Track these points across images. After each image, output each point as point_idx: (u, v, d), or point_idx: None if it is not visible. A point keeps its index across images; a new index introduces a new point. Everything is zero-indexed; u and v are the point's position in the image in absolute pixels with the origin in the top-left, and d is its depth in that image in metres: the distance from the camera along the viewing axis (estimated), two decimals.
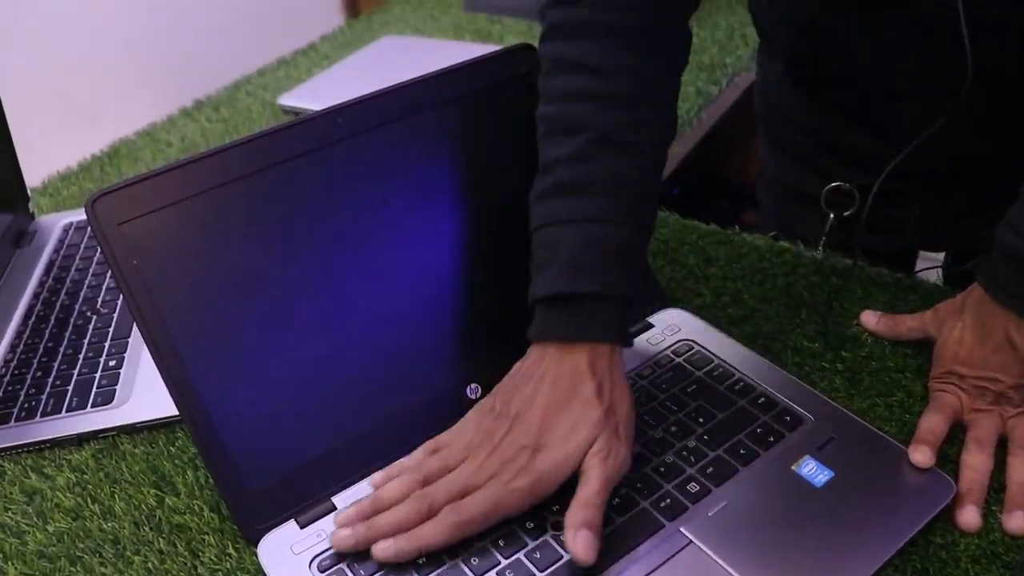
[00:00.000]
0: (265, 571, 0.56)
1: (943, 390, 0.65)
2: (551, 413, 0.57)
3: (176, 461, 0.67)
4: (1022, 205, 0.61)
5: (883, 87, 0.77)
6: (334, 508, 0.60)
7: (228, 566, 0.58)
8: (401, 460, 0.61)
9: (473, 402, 0.65)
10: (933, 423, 0.63)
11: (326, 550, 0.57)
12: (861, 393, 0.69)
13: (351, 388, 0.62)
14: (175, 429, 0.70)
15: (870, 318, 0.75)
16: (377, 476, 0.60)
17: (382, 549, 0.54)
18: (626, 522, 0.58)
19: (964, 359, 0.65)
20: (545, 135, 0.63)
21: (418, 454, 0.61)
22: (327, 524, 0.58)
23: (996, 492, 0.61)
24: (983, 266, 0.64)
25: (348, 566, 0.56)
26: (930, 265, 0.90)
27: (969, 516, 0.59)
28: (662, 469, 0.61)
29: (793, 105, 0.88)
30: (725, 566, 0.55)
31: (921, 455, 0.61)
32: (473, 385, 0.67)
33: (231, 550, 0.59)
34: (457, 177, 0.68)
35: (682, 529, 0.57)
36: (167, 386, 0.57)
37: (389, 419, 0.63)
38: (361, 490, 0.61)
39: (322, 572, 0.56)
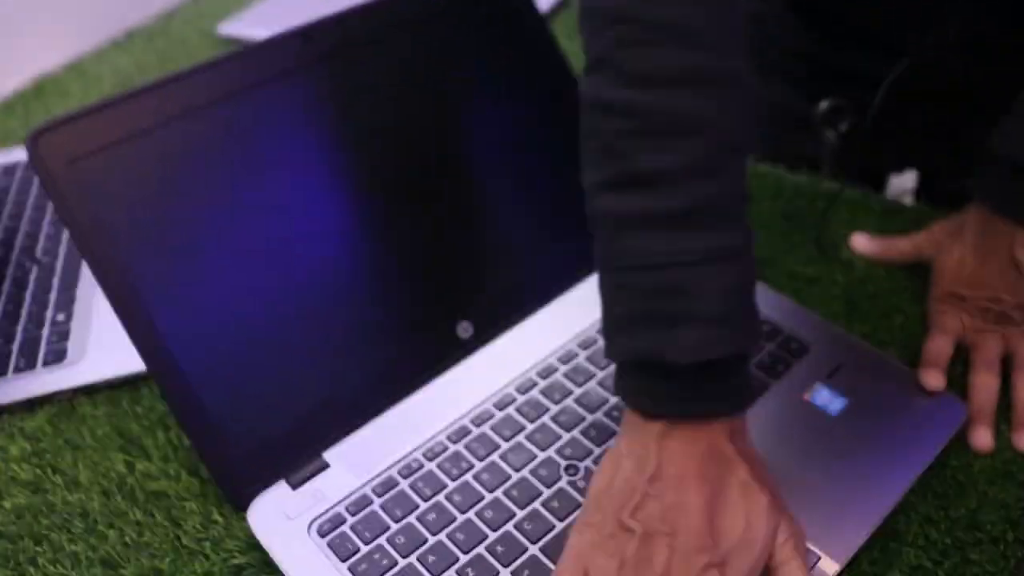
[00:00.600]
0: (258, 539, 0.52)
1: (945, 312, 0.63)
2: (717, 515, 0.45)
3: (144, 422, 0.61)
4: (1018, 117, 0.59)
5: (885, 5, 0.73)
6: (326, 465, 0.55)
7: (215, 534, 0.54)
8: None
9: (465, 341, 0.61)
10: (940, 346, 0.62)
11: (325, 511, 0.53)
12: (860, 317, 0.67)
13: (335, 334, 0.57)
14: (139, 387, 0.64)
15: (861, 241, 0.72)
16: None
17: None
18: None
19: (966, 280, 0.63)
20: (634, 132, 0.46)
21: None
22: (322, 483, 0.54)
23: (1003, 411, 0.60)
24: (983, 184, 0.61)
25: (352, 528, 0.52)
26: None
27: (982, 437, 0.58)
28: None
29: (785, 27, 0.83)
30: None
31: (933, 379, 0.59)
32: (464, 323, 0.62)
33: (216, 516, 0.55)
34: (426, 104, 0.62)
35: None
36: (131, 338, 0.51)
37: (377, 365, 0.59)
38: (353, 443, 0.56)
39: (323, 536, 0.51)
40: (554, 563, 0.49)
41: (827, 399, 0.59)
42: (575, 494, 0.53)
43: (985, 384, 0.60)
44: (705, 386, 0.46)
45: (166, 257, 0.52)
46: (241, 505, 0.53)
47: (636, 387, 0.48)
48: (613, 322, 0.48)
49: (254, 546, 0.52)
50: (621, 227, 0.46)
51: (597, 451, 0.55)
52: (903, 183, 0.86)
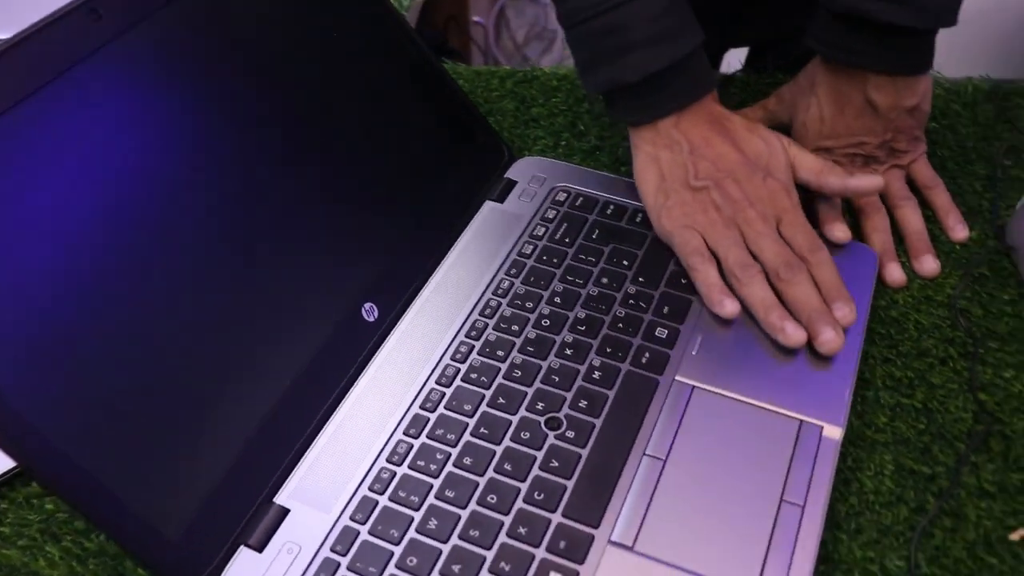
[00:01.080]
0: None
1: None
2: (744, 148, 0.58)
3: (21, 539, 0.48)
4: None
5: None
6: (285, 511, 0.46)
7: None
8: (705, 271, 0.55)
9: (371, 323, 0.53)
10: (830, 202, 0.63)
11: (310, 562, 0.44)
12: None
13: (236, 357, 0.47)
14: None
15: None
16: (727, 307, 0.54)
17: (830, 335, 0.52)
18: (620, 393, 0.51)
19: (828, 133, 0.64)
20: None
21: (710, 272, 0.55)
22: (290, 532, 0.45)
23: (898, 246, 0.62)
24: (818, 36, 0.62)
25: (352, 569, 0.44)
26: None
27: (895, 272, 0.60)
28: (620, 325, 0.55)
29: None
30: (737, 396, 0.51)
31: (840, 231, 0.60)
32: (368, 305, 0.54)
33: None
34: (289, 76, 0.52)
35: (678, 378, 0.52)
36: None
37: (295, 375, 0.49)
38: (303, 475, 0.47)
39: None
40: (582, 524, 0.45)
41: None
42: (570, 447, 0.48)
43: (877, 225, 0.62)
44: (677, 84, 0.57)
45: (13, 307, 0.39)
46: None
47: (631, 107, 0.58)
48: (580, 67, 0.59)
49: None
50: None
51: (569, 395, 0.51)
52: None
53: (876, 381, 0.55)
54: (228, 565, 0.44)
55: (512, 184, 0.65)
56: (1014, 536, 0.48)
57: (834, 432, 0.49)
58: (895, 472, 0.50)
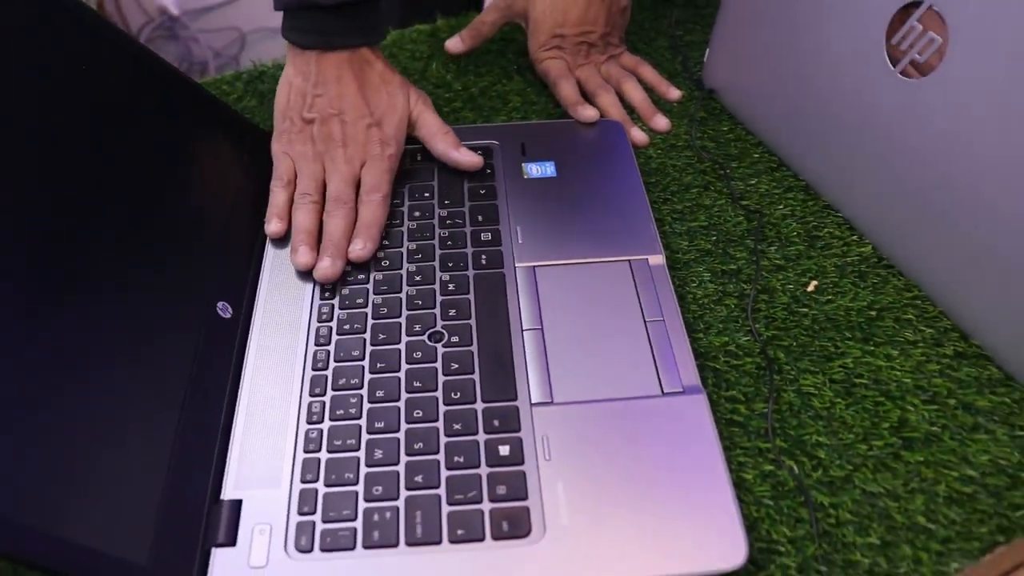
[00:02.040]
0: None
1: (552, 57, 0.73)
2: (368, 95, 0.63)
3: None
4: None
5: None
6: (238, 502, 0.46)
7: None
8: (277, 192, 0.61)
9: (226, 320, 0.54)
10: (569, 86, 0.72)
11: (286, 535, 0.45)
12: (508, 111, 0.74)
13: (131, 380, 0.46)
14: None
15: (454, 43, 0.77)
16: (272, 226, 0.60)
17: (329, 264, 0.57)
18: (479, 293, 0.56)
19: (564, 21, 0.73)
20: None
21: (280, 195, 0.61)
22: (252, 519, 0.46)
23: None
24: None
25: (326, 520, 0.45)
26: None
27: (638, 135, 0.71)
28: (450, 243, 0.60)
29: None
30: (570, 261, 0.58)
31: (588, 111, 0.69)
32: (220, 304, 0.55)
33: None
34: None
35: (517, 265, 0.58)
36: None
37: (188, 382, 0.49)
38: (237, 466, 0.48)
39: (308, 551, 0.44)
40: (502, 401, 0.50)
41: (538, 169, 0.66)
42: (460, 349, 0.53)
43: (610, 100, 0.72)
44: (346, 24, 0.61)
45: None
46: None
47: (299, 27, 0.61)
48: None
49: None
50: None
51: (436, 311, 0.55)
52: None
53: (666, 218, 0.65)
54: (209, 570, 0.44)
55: None
56: (809, 288, 0.59)
57: (658, 259, 0.58)
58: (712, 277, 0.60)
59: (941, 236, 0.55)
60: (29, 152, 0.46)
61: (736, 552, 0.44)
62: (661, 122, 0.72)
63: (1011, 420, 0.52)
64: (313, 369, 0.53)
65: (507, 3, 0.76)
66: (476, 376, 0.51)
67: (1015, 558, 0.49)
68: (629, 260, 0.58)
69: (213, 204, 0.59)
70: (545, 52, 0.74)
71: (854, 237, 0.63)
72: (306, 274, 0.58)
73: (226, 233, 0.59)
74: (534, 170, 0.66)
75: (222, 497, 0.47)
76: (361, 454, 0.48)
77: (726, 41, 0.71)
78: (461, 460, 0.47)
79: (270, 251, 0.60)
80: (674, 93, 0.75)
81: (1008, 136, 0.49)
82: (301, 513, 0.46)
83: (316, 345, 0.54)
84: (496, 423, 0.49)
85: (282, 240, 0.60)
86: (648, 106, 0.73)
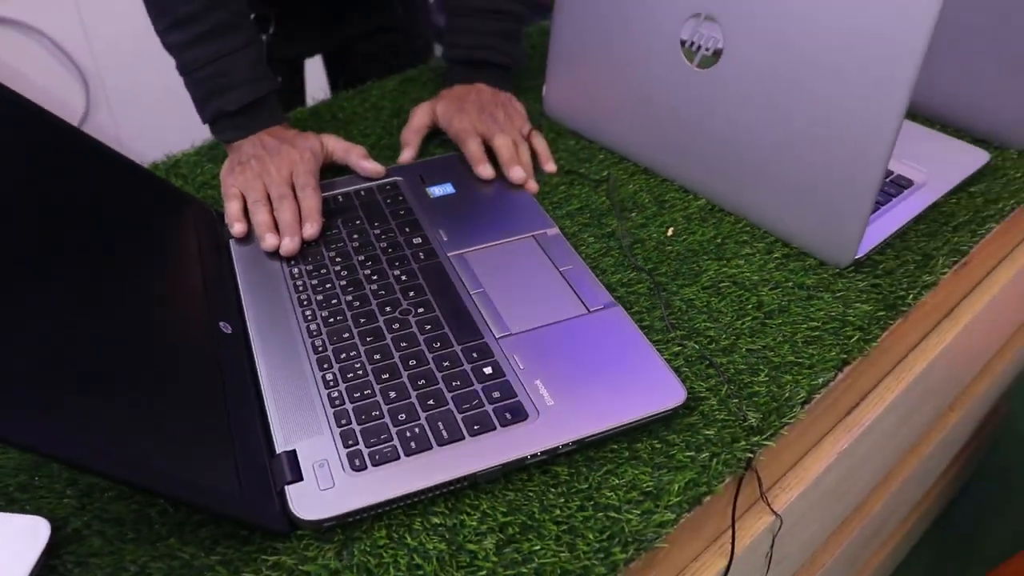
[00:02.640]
0: (335, 520, 0.53)
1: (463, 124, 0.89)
2: (283, 137, 0.83)
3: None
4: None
5: None
6: (293, 451, 0.57)
7: (289, 561, 0.52)
8: (231, 206, 0.78)
9: (227, 335, 0.65)
10: (476, 145, 0.86)
11: (341, 460, 0.56)
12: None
13: (194, 386, 0.57)
14: None
15: (408, 157, 0.89)
16: (236, 227, 0.76)
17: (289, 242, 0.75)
18: (427, 279, 0.71)
19: (474, 122, 0.88)
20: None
21: (234, 205, 0.78)
22: (309, 458, 0.56)
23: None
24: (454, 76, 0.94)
25: (368, 442, 0.57)
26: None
27: (485, 170, 0.85)
28: (390, 250, 0.74)
29: None
30: (489, 244, 0.75)
31: (486, 170, 0.83)
32: (223, 323, 0.66)
33: (270, 555, 0.53)
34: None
35: (450, 254, 0.73)
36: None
37: (222, 378, 0.60)
38: (281, 422, 0.58)
39: (363, 468, 0.56)
40: (472, 340, 0.64)
41: (440, 190, 0.81)
42: (426, 315, 0.67)
43: (471, 146, 0.87)
44: (250, 117, 0.83)
45: None
46: (286, 527, 0.53)
47: (223, 128, 0.83)
48: (197, 102, 0.83)
49: (321, 545, 0.54)
50: (182, 50, 0.81)
51: (399, 296, 0.69)
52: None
53: (548, 207, 0.82)
54: (289, 502, 0.54)
55: None
56: (669, 233, 0.78)
57: (554, 230, 0.75)
58: (595, 240, 0.78)
59: (746, 180, 0.76)
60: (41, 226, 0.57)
61: (678, 394, 0.60)
62: (517, 173, 0.84)
63: (831, 288, 0.72)
64: (315, 353, 0.64)
65: (422, 124, 0.91)
66: (447, 329, 0.65)
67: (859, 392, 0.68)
68: (533, 235, 0.75)
69: (188, 256, 0.70)
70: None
71: (690, 196, 0.82)
72: (280, 287, 0.70)
73: (203, 273, 0.70)
74: (436, 191, 0.81)
75: (277, 451, 0.57)
76: (379, 398, 0.60)
77: (557, 76, 0.91)
78: (458, 384, 0.61)
79: (243, 282, 0.71)
80: (546, 167, 0.88)
81: (767, 99, 0.70)
82: (347, 446, 0.57)
83: (310, 337, 0.66)
84: (475, 355, 0.63)
85: (253, 271, 0.72)
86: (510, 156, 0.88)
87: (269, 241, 0.74)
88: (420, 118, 0.90)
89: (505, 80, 0.94)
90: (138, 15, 0.81)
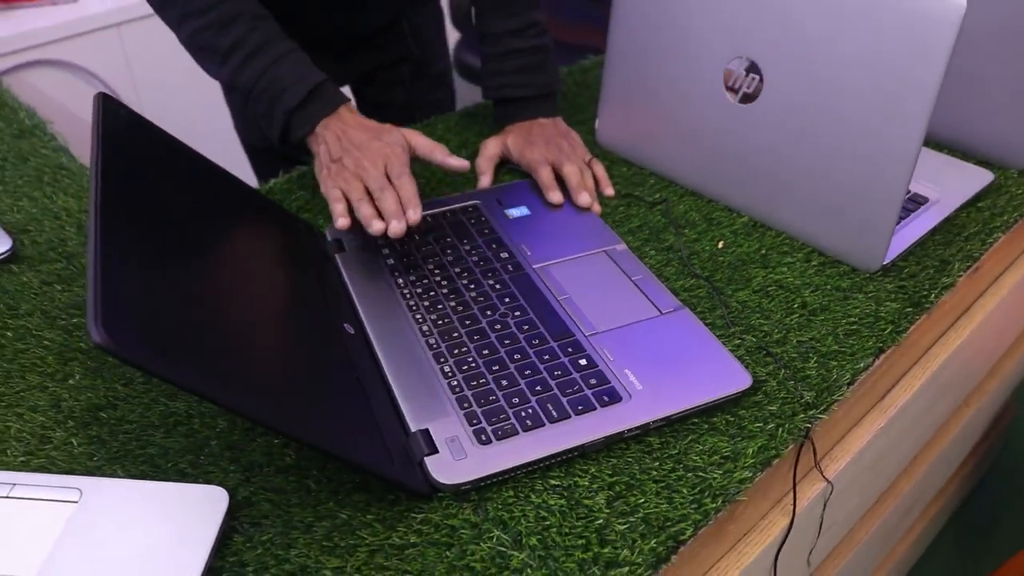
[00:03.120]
0: (473, 483, 0.64)
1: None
2: (368, 127, 0.90)
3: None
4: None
5: None
6: (425, 430, 0.68)
7: (436, 518, 0.63)
8: (337, 207, 0.85)
9: (351, 335, 0.76)
10: (548, 173, 0.98)
11: (470, 435, 0.67)
12: (471, 185, 1.01)
13: (341, 381, 0.68)
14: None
15: (486, 182, 1.02)
16: (341, 221, 0.84)
17: (404, 219, 0.82)
18: (518, 288, 0.82)
19: (543, 152, 1.00)
20: (208, 34, 0.89)
21: (338, 205, 0.85)
22: (442, 436, 0.67)
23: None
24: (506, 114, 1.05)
25: (489, 421, 0.68)
26: None
27: (555, 196, 0.97)
28: (481, 263, 0.85)
29: None
30: (566, 258, 0.86)
31: (556, 196, 0.96)
32: (345, 325, 0.77)
33: (418, 511, 0.63)
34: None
35: (535, 267, 0.85)
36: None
37: (353, 369, 0.71)
38: (408, 405, 0.69)
39: (489, 441, 0.66)
40: (565, 337, 0.75)
41: (517, 212, 0.93)
42: (522, 317, 0.78)
43: (542, 173, 1.00)
44: (326, 98, 0.90)
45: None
46: (429, 491, 0.64)
47: (298, 123, 0.90)
48: (265, 120, 0.91)
49: (461, 505, 0.64)
50: (236, 78, 0.89)
51: (496, 302, 0.80)
52: None
53: (611, 227, 0.93)
54: (430, 471, 0.65)
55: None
56: (719, 246, 0.90)
57: (622, 246, 0.87)
58: (656, 254, 0.89)
59: (785, 200, 0.88)
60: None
61: (744, 379, 0.71)
62: (584, 198, 0.96)
63: (864, 290, 0.83)
64: (430, 349, 0.75)
65: (494, 154, 1.03)
66: (542, 328, 0.77)
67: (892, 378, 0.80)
68: (604, 250, 0.86)
69: (306, 267, 0.82)
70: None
71: (734, 215, 0.94)
72: (389, 294, 0.81)
73: (320, 282, 0.81)
74: (514, 212, 0.93)
75: (412, 430, 0.68)
76: (492, 385, 0.71)
77: (609, 110, 1.03)
78: (559, 373, 0.72)
79: (354, 291, 0.83)
80: (606, 191, 1.00)
81: (803, 130, 0.82)
82: (472, 424, 0.68)
83: (423, 336, 0.77)
84: (569, 350, 0.74)
85: (362, 281, 0.83)
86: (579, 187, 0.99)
87: (376, 226, 0.81)
88: (492, 149, 1.02)
89: (549, 105, 1.06)
90: (177, 54, 0.91)
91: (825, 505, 0.78)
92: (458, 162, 0.91)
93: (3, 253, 0.90)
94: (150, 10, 0.93)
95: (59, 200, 1.01)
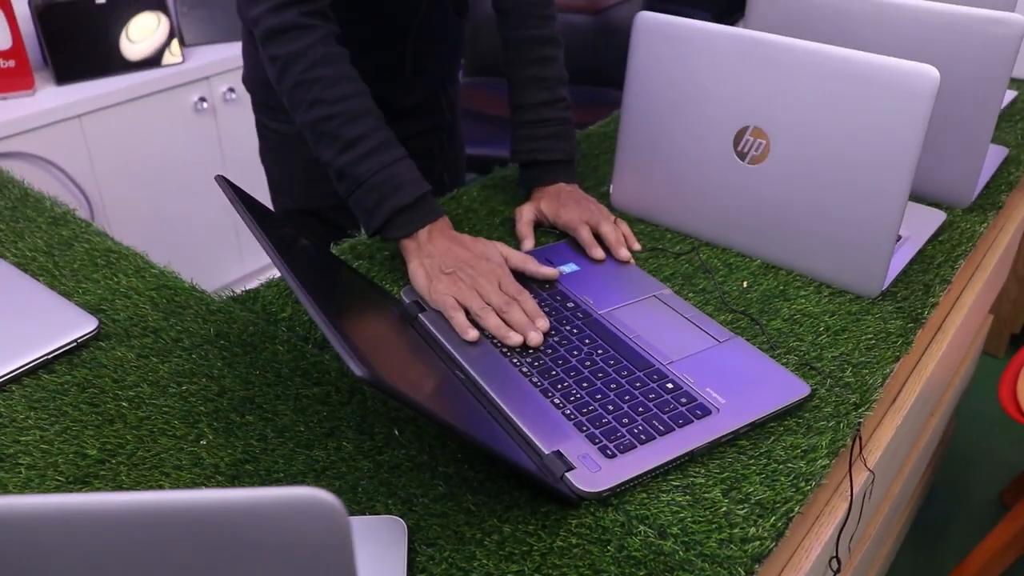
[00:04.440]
0: (605, 493, 0.76)
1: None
2: (471, 248, 1.01)
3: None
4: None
5: None
6: (557, 450, 0.80)
7: (588, 522, 0.75)
8: (458, 317, 0.95)
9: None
10: (588, 232, 1.12)
11: (597, 451, 0.79)
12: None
13: (488, 422, 0.80)
14: None
15: (528, 245, 1.15)
16: (470, 333, 0.94)
17: (536, 334, 0.93)
18: (594, 330, 0.96)
19: (576, 215, 1.15)
20: (335, 123, 0.99)
21: (459, 316, 0.95)
22: (572, 453, 0.79)
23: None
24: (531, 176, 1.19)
25: (609, 439, 0.81)
26: None
27: (597, 252, 1.13)
28: (554, 314, 0.99)
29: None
30: (623, 304, 1.00)
31: (598, 252, 1.10)
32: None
33: (574, 517, 0.75)
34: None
35: (599, 312, 0.98)
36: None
37: (483, 408, 0.83)
38: (532, 434, 0.81)
39: (614, 455, 0.79)
40: (648, 367, 0.89)
41: (567, 268, 1.07)
42: (606, 352, 0.91)
43: (582, 231, 1.14)
44: (426, 209, 1.02)
45: None
46: (578, 500, 0.76)
47: (402, 224, 1.01)
48: (366, 212, 1.01)
49: (602, 510, 0.77)
50: (354, 167, 0.99)
51: (579, 342, 0.93)
52: None
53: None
54: (574, 482, 0.76)
55: None
56: (744, 285, 1.06)
57: (668, 291, 1.02)
58: (692, 296, 1.05)
59: (794, 244, 1.05)
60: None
61: (804, 389, 0.86)
62: (623, 252, 1.11)
63: (871, 312, 1.01)
64: (536, 387, 0.88)
65: (532, 219, 1.17)
66: (627, 362, 0.90)
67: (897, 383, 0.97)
68: (654, 295, 1.01)
69: (405, 325, 0.93)
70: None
71: (747, 259, 1.11)
72: (482, 344, 0.93)
73: (420, 338, 0.93)
74: (566, 269, 1.07)
75: (546, 452, 0.80)
76: (600, 411, 0.84)
77: (624, 173, 1.20)
78: (653, 396, 0.86)
79: (449, 345, 0.94)
80: (634, 246, 1.15)
81: (807, 186, 1.00)
82: (594, 443, 0.80)
83: (525, 376, 0.89)
84: (655, 377, 0.88)
85: (453, 336, 0.95)
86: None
87: (514, 339, 0.92)
88: (528, 215, 1.17)
89: (571, 170, 1.22)
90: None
91: (870, 491, 0.94)
92: (548, 271, 1.04)
93: (91, 331, 0.96)
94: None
95: (123, 280, 1.06)
